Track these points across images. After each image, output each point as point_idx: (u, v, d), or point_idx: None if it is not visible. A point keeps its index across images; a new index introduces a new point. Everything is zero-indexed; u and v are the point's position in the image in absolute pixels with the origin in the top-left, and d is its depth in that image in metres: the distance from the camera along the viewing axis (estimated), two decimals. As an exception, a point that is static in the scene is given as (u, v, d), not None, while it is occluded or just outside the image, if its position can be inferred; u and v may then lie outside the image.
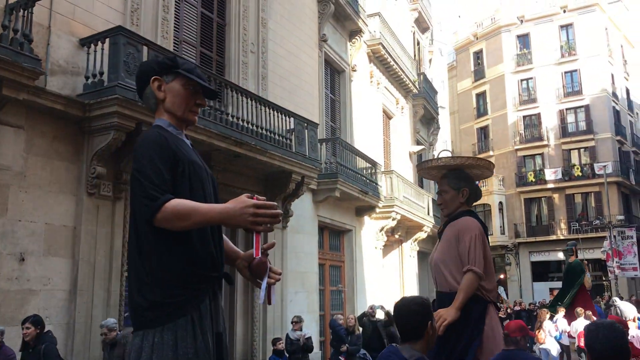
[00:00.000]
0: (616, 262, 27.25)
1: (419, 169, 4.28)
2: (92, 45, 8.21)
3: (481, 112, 41.74)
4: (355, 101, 16.85)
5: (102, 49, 8.11)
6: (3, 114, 7.16)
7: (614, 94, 38.13)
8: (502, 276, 36.84)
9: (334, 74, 16.34)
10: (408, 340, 2.68)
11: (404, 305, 2.77)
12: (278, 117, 11.28)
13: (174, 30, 10.34)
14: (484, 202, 37.50)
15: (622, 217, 32.27)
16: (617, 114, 37.98)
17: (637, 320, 10.82)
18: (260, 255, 2.11)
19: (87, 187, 8.11)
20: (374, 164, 16.06)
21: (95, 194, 8.21)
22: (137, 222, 2.07)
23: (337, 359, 10.40)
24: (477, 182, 4.34)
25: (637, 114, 43.38)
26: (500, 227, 37.46)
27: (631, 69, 43.98)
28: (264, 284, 2.13)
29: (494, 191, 37.50)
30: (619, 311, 11.04)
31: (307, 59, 14.08)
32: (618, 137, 36.97)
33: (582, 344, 12.44)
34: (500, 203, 37.81)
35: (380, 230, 17.15)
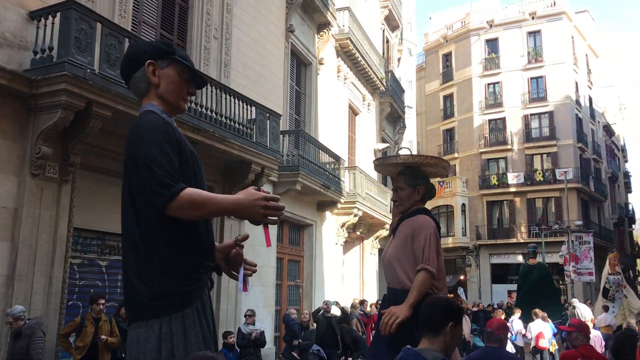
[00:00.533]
0: (572, 266, 27.72)
1: (376, 164, 4.23)
2: (42, 19, 7.81)
3: (448, 114, 42.04)
4: (321, 95, 16.64)
5: (53, 24, 7.71)
6: (-60, 85, 6.72)
7: (577, 102, 38.85)
8: (462, 277, 37.19)
9: (301, 66, 16.10)
10: (427, 334, 2.65)
11: (432, 299, 2.82)
12: (239, 105, 11.00)
13: (133, 9, 9.96)
14: (447, 204, 37.82)
15: (580, 223, 32.85)
16: (579, 121, 38.71)
17: (592, 322, 11.00)
18: (270, 245, 2.22)
19: (31, 168, 7.70)
20: (337, 159, 15.89)
21: (40, 175, 7.81)
22: (140, 210, 2.02)
23: (289, 354, 10.19)
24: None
25: (598, 122, 44.32)
26: (462, 228, 37.78)
27: (595, 78, 44.91)
28: (240, 275, 2.23)
29: (457, 193, 37.80)
30: (578, 312, 11.16)
31: (272, 48, 13.81)
32: (580, 144, 37.69)
33: (540, 344, 12.68)
34: (463, 205, 38.11)
35: (342, 227, 17.00)
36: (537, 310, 12.12)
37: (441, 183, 38.83)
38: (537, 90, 38.46)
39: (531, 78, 38.49)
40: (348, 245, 19.53)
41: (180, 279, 2.02)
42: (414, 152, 19.34)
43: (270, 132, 11.73)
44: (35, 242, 7.69)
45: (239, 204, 2.01)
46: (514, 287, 33.59)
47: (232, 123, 10.59)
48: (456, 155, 40.35)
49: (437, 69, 43.13)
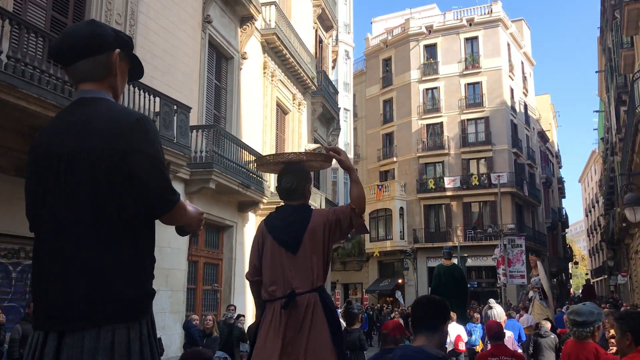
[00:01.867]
0: (503, 269, 27.98)
1: (257, 164, 4.10)
2: None
3: (387, 118, 42.09)
4: (244, 91, 15.96)
5: None
6: None
7: (513, 108, 39.57)
8: (400, 281, 37.18)
9: (221, 60, 15.36)
10: (424, 332, 2.66)
11: (426, 298, 2.85)
12: (141, 95, 10.20)
13: (18, -14, 9.06)
14: (386, 207, 37.80)
15: (512, 226, 33.31)
16: (514, 127, 39.41)
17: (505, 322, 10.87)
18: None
19: None
20: (259, 156, 15.20)
21: None
22: (126, 209, 1.94)
23: (190, 364, 9.42)
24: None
25: (533, 128, 45.31)
26: (400, 231, 37.81)
27: (530, 86, 45.95)
28: None
29: (395, 196, 37.84)
30: (493, 313, 11.03)
31: (186, 38, 13.05)
32: (514, 150, 38.35)
33: (459, 347, 12.44)
34: (401, 208, 38.18)
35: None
36: (452, 313, 12.05)
37: (380, 187, 38.83)
38: (474, 96, 38.97)
39: (468, 84, 38.97)
40: (275, 248, 18.87)
41: (151, 280, 2.06)
42: (351, 156, 18.94)
43: (177, 126, 10.97)
44: None
45: (194, 217, 2.14)
46: (450, 290, 33.89)
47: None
48: (395, 159, 40.44)
49: (378, 74, 43.15)
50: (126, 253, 1.95)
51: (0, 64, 7.66)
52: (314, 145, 20.66)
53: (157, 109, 10.56)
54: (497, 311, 11.22)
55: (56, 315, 1.89)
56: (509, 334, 9.87)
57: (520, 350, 9.66)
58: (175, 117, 10.96)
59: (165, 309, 11.61)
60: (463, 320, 11.47)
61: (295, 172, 3.77)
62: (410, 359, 2.55)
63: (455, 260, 20.68)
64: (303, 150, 19.05)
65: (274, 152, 17.93)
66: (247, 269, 13.31)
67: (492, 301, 11.05)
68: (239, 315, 11.89)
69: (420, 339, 2.65)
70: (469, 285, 19.15)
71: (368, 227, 37.80)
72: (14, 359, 7.78)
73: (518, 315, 22.90)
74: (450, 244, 36.05)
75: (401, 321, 18.32)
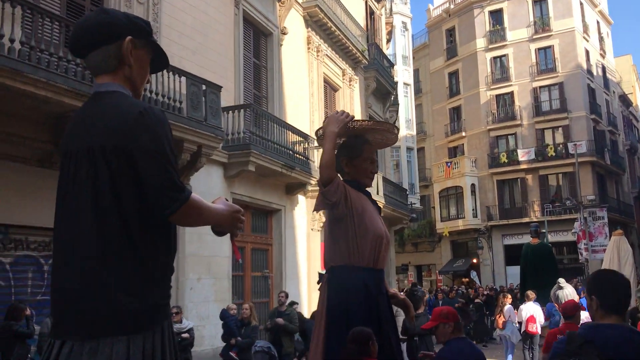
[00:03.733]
0: (585, 244, 26.08)
1: (316, 137, 3.73)
2: None
3: (454, 91, 40.37)
4: (287, 69, 15.27)
5: None
6: None
7: (589, 72, 36.88)
8: (474, 260, 35.76)
9: (259, 37, 14.70)
10: (617, 313, 2.54)
11: (615, 274, 2.71)
12: (166, 76, 9.71)
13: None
14: (456, 185, 36.35)
15: (593, 198, 31.07)
16: (592, 92, 36.75)
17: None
18: (240, 258, 2.39)
19: None
20: (305, 137, 14.53)
21: None
22: (129, 211, 1.79)
23: (227, 355, 8.95)
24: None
25: (613, 92, 42.15)
26: (473, 210, 36.26)
27: (608, 47, 42.69)
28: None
29: (466, 173, 36.28)
30: (566, 293, 10.07)
31: (217, 15, 12.47)
32: (593, 116, 35.77)
33: (530, 329, 11.43)
34: (473, 185, 36.56)
35: (318, 211, 15.64)
36: (529, 292, 11.34)
37: (449, 164, 37.34)
38: (546, 61, 36.59)
39: (539, 49, 36.62)
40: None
41: (164, 289, 1.91)
42: (413, 133, 17.93)
43: (207, 106, 10.43)
44: None
45: (222, 216, 1.96)
46: (529, 268, 32.21)
47: (154, 96, 9.32)
48: (464, 134, 38.74)
49: (441, 45, 41.38)
50: (129, 260, 1.81)
51: (13, 51, 7.34)
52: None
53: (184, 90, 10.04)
54: (568, 291, 10.07)
55: (58, 323, 1.83)
56: (585, 314, 9.14)
57: None
58: (204, 98, 10.41)
59: (208, 297, 11.21)
60: (544, 300, 10.68)
61: (338, 147, 3.49)
62: (627, 341, 2.42)
63: (545, 238, 19.80)
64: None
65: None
66: (300, 254, 13.06)
67: (561, 281, 9.93)
68: (292, 303, 11.31)
69: (612, 318, 2.53)
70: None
71: (439, 206, 37.06)
72: (44, 354, 7.54)
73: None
74: (528, 220, 34.23)
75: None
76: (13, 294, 8.47)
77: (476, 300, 18.66)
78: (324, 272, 3.45)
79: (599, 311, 2.57)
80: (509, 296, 14.93)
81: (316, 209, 3.37)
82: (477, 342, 16.82)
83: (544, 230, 23.41)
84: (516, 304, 14.24)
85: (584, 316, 8.64)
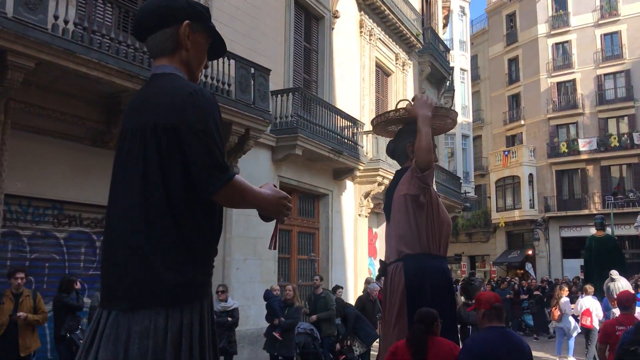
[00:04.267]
0: (648, 238, 24.96)
1: (372, 125, 3.93)
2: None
3: (513, 78, 39.21)
4: (338, 53, 15.17)
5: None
6: None
7: (659, 58, 35.03)
8: (529, 252, 34.86)
9: (310, 20, 14.64)
10: None
11: None
12: (218, 60, 9.81)
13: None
14: (513, 174, 35.45)
15: (658, 190, 29.65)
16: (661, 79, 34.91)
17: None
18: (275, 248, 1.83)
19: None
20: (354, 121, 14.43)
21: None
22: (175, 188, 1.84)
23: (270, 335, 9.06)
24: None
25: (685, 80, 39.90)
26: (530, 200, 35.28)
27: (680, 32, 40.43)
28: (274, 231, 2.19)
29: (523, 162, 35.28)
30: (619, 285, 9.78)
31: (269, -1, 12.51)
32: (661, 105, 34.03)
33: (584, 322, 11.12)
34: (530, 175, 35.54)
35: (365, 196, 15.59)
36: (587, 285, 11.29)
37: (506, 153, 36.38)
38: (612, 47, 34.96)
39: (605, 34, 35.02)
40: (381, 217, 18.10)
41: (205, 267, 1.94)
42: (470, 120, 17.57)
43: (255, 89, 10.49)
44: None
45: (267, 200, 1.97)
46: (588, 262, 31.13)
47: (205, 79, 9.46)
48: (522, 122, 37.63)
49: (501, 31, 40.19)
50: (171, 235, 1.84)
51: (67, 32, 7.59)
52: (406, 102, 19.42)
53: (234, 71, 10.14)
54: (622, 284, 9.70)
55: (105, 293, 1.91)
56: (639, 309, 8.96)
57: None
58: (253, 81, 10.48)
59: (254, 278, 11.36)
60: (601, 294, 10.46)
61: (397, 133, 3.65)
62: None
63: (608, 230, 19.26)
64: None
65: (373, 116, 17.04)
66: (346, 238, 13.24)
67: (614, 273, 9.58)
68: (337, 287, 11.35)
69: None
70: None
71: (495, 196, 36.33)
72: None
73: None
74: (588, 212, 33.04)
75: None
76: (67, 268, 8.82)
77: (535, 293, 18.20)
78: (385, 261, 3.54)
79: None
80: (566, 288, 14.62)
81: (410, 191, 3.39)
82: (534, 335, 16.52)
83: (608, 223, 22.54)
84: (572, 298, 13.94)
85: (639, 311, 8.44)
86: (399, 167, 3.62)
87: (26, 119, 7.90)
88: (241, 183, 1.89)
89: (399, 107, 3.77)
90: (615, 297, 8.50)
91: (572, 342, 12.69)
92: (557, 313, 13.72)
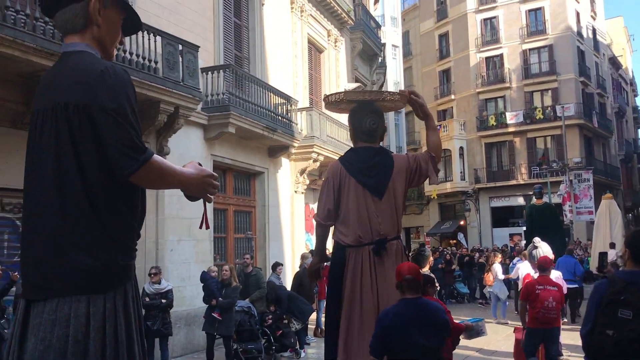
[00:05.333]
0: (570, 205, 26.33)
1: (325, 102, 3.94)
2: None
3: (444, 54, 40.08)
4: (269, 29, 15.00)
5: None
6: None
7: (579, 34, 36.63)
8: (462, 222, 36.08)
9: (240, -4, 14.39)
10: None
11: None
12: (143, 37, 9.51)
13: None
14: (445, 148, 36.33)
15: (579, 160, 31.19)
16: (581, 54, 36.56)
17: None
18: (209, 227, 2.24)
19: None
20: (287, 99, 14.38)
21: None
22: (89, 171, 1.78)
23: (210, 316, 9.03)
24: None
25: (603, 55, 41.93)
26: (461, 172, 36.41)
27: (599, 8, 42.26)
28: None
29: (454, 136, 36.31)
30: (541, 252, 10.37)
31: (195, -27, 12.18)
32: (582, 79, 35.69)
33: None
34: (461, 148, 36.66)
35: (301, 173, 15.64)
36: (525, 251, 11.82)
37: (438, 127, 37.21)
38: (536, 23, 36.28)
39: (529, 10, 36.27)
40: (318, 193, 18.21)
41: (126, 250, 1.88)
42: (354, 86, 17.93)
43: (184, 67, 10.26)
44: None
45: (191, 179, 1.92)
46: (516, 230, 32.53)
47: (129, 56, 9.15)
48: (453, 97, 38.64)
49: (432, 7, 40.89)
50: (87, 219, 1.79)
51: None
52: (354, 85, 19.57)
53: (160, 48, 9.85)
54: (543, 249, 10.33)
55: (24, 283, 1.85)
56: (556, 273, 9.72)
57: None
58: (181, 58, 10.23)
59: (189, 259, 11.24)
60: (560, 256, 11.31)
61: (377, 112, 3.69)
62: None
63: (546, 199, 20.19)
64: (342, 90, 18.01)
65: (307, 93, 17.04)
66: (283, 215, 13.20)
67: (536, 240, 10.10)
68: (277, 264, 11.39)
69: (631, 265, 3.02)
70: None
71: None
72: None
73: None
74: (515, 183, 34.39)
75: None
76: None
77: (466, 259, 19.05)
78: (385, 236, 3.62)
79: (629, 261, 3.01)
80: (499, 255, 15.57)
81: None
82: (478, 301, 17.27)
83: (546, 192, 23.66)
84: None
85: (554, 276, 9.22)
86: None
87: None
88: (160, 163, 1.83)
89: (347, 89, 4.09)
90: (536, 262, 9.08)
91: (504, 306, 13.52)
92: (489, 278, 14.64)
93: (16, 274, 7.36)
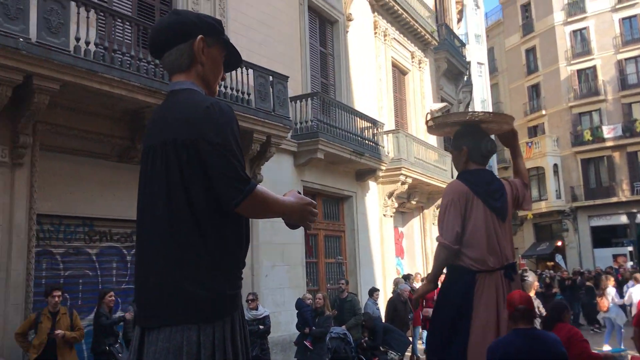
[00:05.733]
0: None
1: (429, 125, 4.00)
2: (-29, -11, 7.13)
3: (531, 68, 38.79)
4: (354, 55, 15.21)
5: (-20, -7, 7.00)
6: None
7: (680, 39, 34.37)
8: (559, 243, 34.39)
9: (325, 25, 14.70)
10: None
11: None
12: (236, 70, 9.91)
13: (101, -24, 9.16)
14: (537, 165, 35.03)
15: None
16: (684, 60, 34.23)
17: None
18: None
19: (-27, 153, 7.11)
20: (373, 122, 14.45)
21: (-15, 160, 7.20)
22: (198, 202, 1.87)
23: (301, 343, 9.10)
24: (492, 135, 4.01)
25: None
26: (556, 190, 34.81)
27: (703, 11, 39.57)
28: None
29: (547, 153, 34.86)
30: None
31: (283, 6, 12.59)
32: (686, 86, 33.36)
33: None
34: (555, 165, 35.09)
35: (389, 196, 15.57)
36: (637, 274, 11.38)
37: (529, 144, 35.97)
38: (631, 31, 34.43)
39: (623, 19, 34.52)
40: (407, 216, 18.08)
41: (234, 280, 1.94)
42: (440, 105, 17.64)
43: (274, 97, 10.58)
44: (-15, 233, 7.11)
45: (292, 208, 1.96)
46: (620, 250, 30.63)
47: (222, 89, 9.56)
48: (544, 112, 37.22)
49: (517, 22, 39.82)
50: (197, 249, 1.86)
51: (89, 53, 7.75)
52: (440, 105, 19.37)
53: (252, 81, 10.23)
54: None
55: (138, 311, 1.95)
56: None
57: None
58: (271, 88, 10.57)
59: (283, 284, 11.43)
60: None
61: (487, 136, 3.72)
62: None
63: None
64: (428, 110, 17.91)
65: (392, 116, 17.03)
66: (372, 239, 13.01)
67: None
68: (374, 289, 11.34)
69: None
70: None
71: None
72: (129, 340, 7.96)
73: None
74: (616, 200, 32.51)
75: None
76: (100, 283, 8.97)
77: (568, 283, 17.96)
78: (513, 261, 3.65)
79: None
80: (612, 278, 14.35)
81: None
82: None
83: None
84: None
85: None
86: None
87: (53, 140, 8.07)
88: (263, 193, 1.89)
89: (433, 110, 4.04)
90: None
91: (620, 333, 12.51)
92: (604, 303, 13.44)
93: (130, 312, 7.76)
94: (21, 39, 6.90)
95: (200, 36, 1.99)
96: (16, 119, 7.40)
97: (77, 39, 7.61)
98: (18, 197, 7.49)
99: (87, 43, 7.71)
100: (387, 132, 15.22)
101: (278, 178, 11.40)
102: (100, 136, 8.72)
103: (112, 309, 8.00)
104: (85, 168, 8.70)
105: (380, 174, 14.73)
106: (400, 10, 17.11)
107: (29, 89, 7.13)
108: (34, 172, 7.72)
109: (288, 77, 11.07)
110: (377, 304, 10.88)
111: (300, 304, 9.41)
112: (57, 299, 6.97)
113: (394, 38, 17.53)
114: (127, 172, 8.85)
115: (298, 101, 12.14)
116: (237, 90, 9.90)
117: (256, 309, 8.93)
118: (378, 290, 11.46)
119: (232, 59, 2.17)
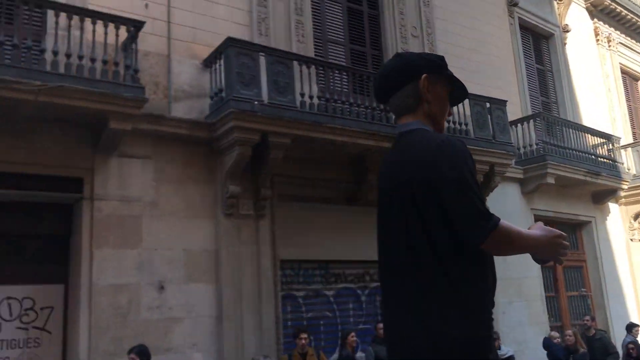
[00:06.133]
0: None
1: None
2: (212, 64, 8.09)
3: None
4: (574, 68, 14.03)
5: (220, 65, 7.90)
6: (128, 146, 7.37)
7: None
8: None
9: (539, 41, 13.79)
10: None
11: None
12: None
13: (316, 31, 9.78)
14: None
15: None
16: None
17: None
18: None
19: (224, 208, 7.89)
20: (607, 137, 13.06)
21: (234, 214, 7.95)
22: (439, 242, 1.82)
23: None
24: None
25: None
26: None
27: None
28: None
29: None
30: None
31: (492, 29, 12.14)
32: None
33: None
34: None
35: (636, 218, 13.82)
36: None
37: None
38: None
39: None
40: (658, 239, 15.84)
41: (485, 321, 1.83)
42: None
43: (494, 124, 10.13)
44: (239, 280, 7.79)
45: (540, 242, 1.84)
46: None
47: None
48: None
49: None
50: (445, 291, 1.79)
51: (313, 106, 8.27)
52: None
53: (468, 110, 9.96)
54: None
55: (388, 352, 1.93)
56: None
57: None
58: (489, 115, 10.16)
59: (523, 321, 10.67)
60: None
61: None
62: None
63: None
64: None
65: (628, 128, 15.28)
66: (620, 268, 11.80)
67: None
68: (633, 325, 10.12)
69: None
70: None
71: None
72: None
73: None
74: None
75: None
76: (339, 324, 9.26)
77: None
78: None
79: None
80: None
81: None
82: None
83: None
84: None
85: None
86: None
87: (288, 190, 8.66)
88: (507, 228, 1.77)
89: None
90: None
91: None
92: None
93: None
94: (256, 102, 7.59)
95: (424, 75, 1.97)
96: (256, 174, 8.09)
97: (302, 95, 8.13)
98: (263, 245, 8.12)
99: (311, 97, 8.20)
100: (625, 147, 13.64)
101: (505, 208, 10.78)
102: (329, 182, 9.15)
103: (355, 349, 8.15)
104: (317, 213, 9.15)
105: (622, 193, 13.20)
106: (624, 12, 15.45)
107: (265, 146, 7.77)
108: (274, 221, 8.33)
109: (506, 101, 10.56)
110: (638, 341, 9.56)
111: (547, 343, 8.74)
112: (304, 340, 7.32)
113: (620, 42, 15.85)
114: (354, 215, 9.13)
115: (519, 125, 11.49)
116: (454, 122, 9.69)
117: (499, 348, 8.42)
118: (637, 325, 10.09)
119: (458, 93, 2.11)
